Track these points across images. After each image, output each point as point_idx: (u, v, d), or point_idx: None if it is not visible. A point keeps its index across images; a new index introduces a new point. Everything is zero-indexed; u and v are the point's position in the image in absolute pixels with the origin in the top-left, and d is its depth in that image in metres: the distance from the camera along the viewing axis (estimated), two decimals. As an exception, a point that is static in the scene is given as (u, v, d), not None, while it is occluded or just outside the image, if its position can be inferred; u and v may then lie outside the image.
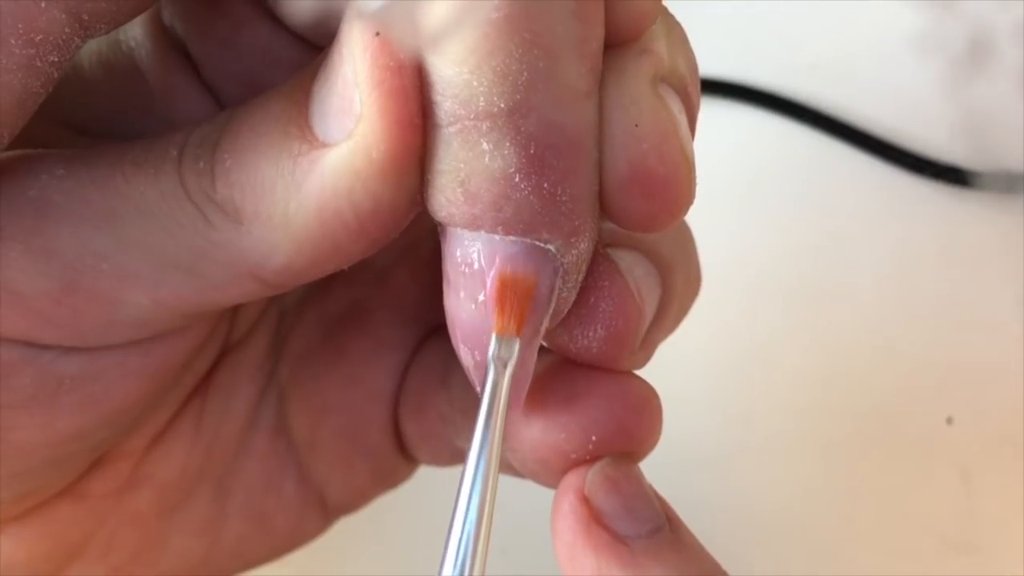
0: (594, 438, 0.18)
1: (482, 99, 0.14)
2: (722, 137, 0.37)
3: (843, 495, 0.33)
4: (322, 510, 0.23)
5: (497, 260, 0.16)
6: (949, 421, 0.33)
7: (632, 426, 0.18)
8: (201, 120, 0.17)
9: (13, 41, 0.15)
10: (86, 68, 0.19)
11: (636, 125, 0.16)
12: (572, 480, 0.18)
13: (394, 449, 0.23)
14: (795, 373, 0.34)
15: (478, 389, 0.17)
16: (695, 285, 0.20)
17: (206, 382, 0.21)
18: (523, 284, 0.16)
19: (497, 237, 0.16)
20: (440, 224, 0.16)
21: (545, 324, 0.17)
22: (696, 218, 0.36)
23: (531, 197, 0.15)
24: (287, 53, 0.19)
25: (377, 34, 0.14)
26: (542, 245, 0.16)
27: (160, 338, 0.18)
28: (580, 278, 0.17)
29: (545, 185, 0.15)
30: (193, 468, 0.21)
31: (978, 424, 0.33)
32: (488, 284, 0.16)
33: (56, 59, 0.15)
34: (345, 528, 0.24)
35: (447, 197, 0.15)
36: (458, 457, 0.22)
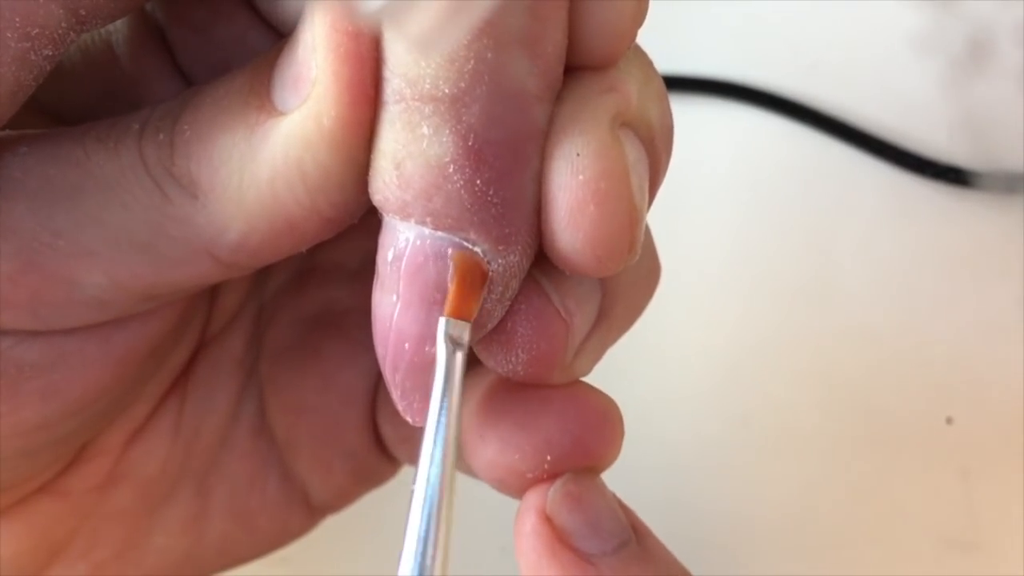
0: (549, 457, 0.17)
1: (428, 81, 0.14)
2: (722, 137, 0.37)
3: (843, 495, 0.33)
4: (307, 509, 0.23)
5: (428, 251, 0.15)
6: (949, 421, 0.33)
7: (589, 442, 0.17)
8: None
9: (9, 35, 0.15)
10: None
11: (577, 154, 0.15)
12: (533, 499, 0.17)
13: (373, 449, 0.22)
14: (795, 373, 0.34)
15: (393, 393, 0.17)
16: (651, 277, 0.20)
17: (185, 377, 0.21)
18: (478, 268, 0.15)
19: (426, 231, 0.15)
20: (379, 213, 0.16)
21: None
22: (696, 218, 0.36)
23: (462, 192, 0.15)
24: (263, 44, 0.18)
25: (340, 1, 0.14)
26: (469, 246, 0.15)
27: (121, 324, 0.18)
28: (509, 295, 0.16)
29: (478, 182, 0.15)
30: (174, 465, 0.21)
31: (978, 424, 0.33)
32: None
33: (50, 53, 0.15)
34: (340, 526, 0.24)
35: (383, 180, 0.15)
36: None
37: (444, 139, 0.15)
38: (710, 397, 0.34)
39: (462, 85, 0.14)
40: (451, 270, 0.15)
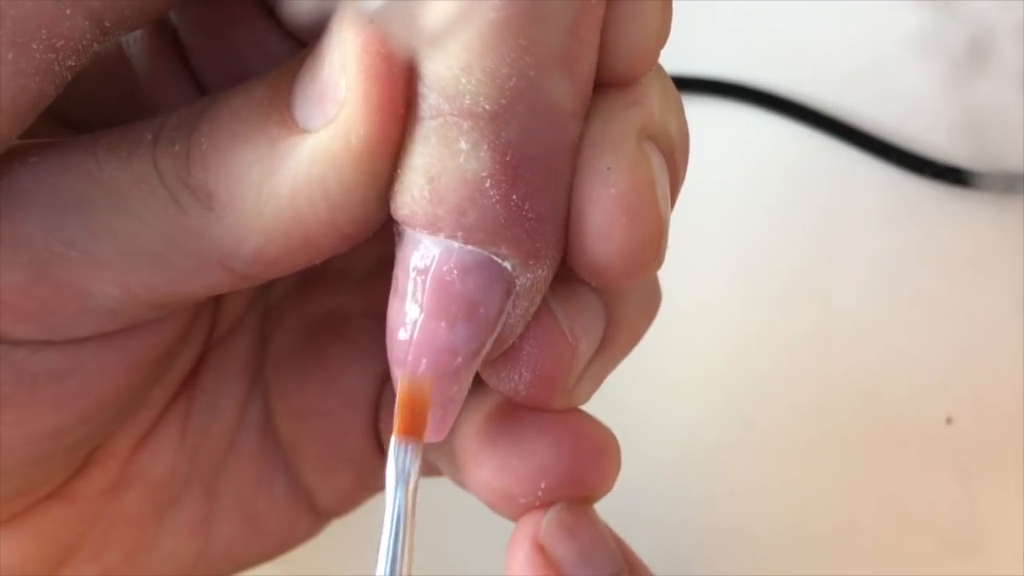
0: (543, 485, 0.17)
1: (468, 98, 0.14)
2: (722, 137, 0.37)
3: (843, 495, 0.33)
4: (313, 512, 0.23)
5: (457, 266, 0.15)
6: (949, 421, 0.33)
7: (584, 474, 0.17)
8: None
9: (35, 46, 0.15)
10: None
11: (608, 168, 0.15)
12: (526, 528, 0.17)
13: (375, 455, 0.22)
14: (795, 373, 0.34)
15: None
16: (652, 305, 0.20)
17: (191, 381, 0.21)
18: (424, 389, 0.16)
19: (456, 244, 0.15)
20: (399, 227, 0.16)
21: (487, 347, 0.16)
22: (696, 218, 0.36)
23: (498, 207, 0.15)
24: (280, 49, 0.18)
25: (371, 22, 0.14)
26: (499, 261, 0.15)
27: (135, 331, 0.18)
28: (532, 309, 0.16)
29: (514, 197, 0.15)
30: (182, 468, 0.21)
31: (978, 424, 0.33)
32: (397, 384, 0.16)
33: (73, 63, 0.15)
34: (341, 527, 0.24)
35: (412, 195, 0.15)
36: (438, 466, 0.21)
37: (482, 154, 0.15)
38: (709, 397, 0.34)
39: (503, 102, 0.14)
40: (398, 396, 0.16)
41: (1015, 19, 0.35)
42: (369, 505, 0.24)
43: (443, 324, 0.16)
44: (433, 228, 0.15)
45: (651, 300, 0.20)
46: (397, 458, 0.16)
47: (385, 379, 0.22)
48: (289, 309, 0.22)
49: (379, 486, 0.23)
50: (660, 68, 0.17)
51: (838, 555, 0.32)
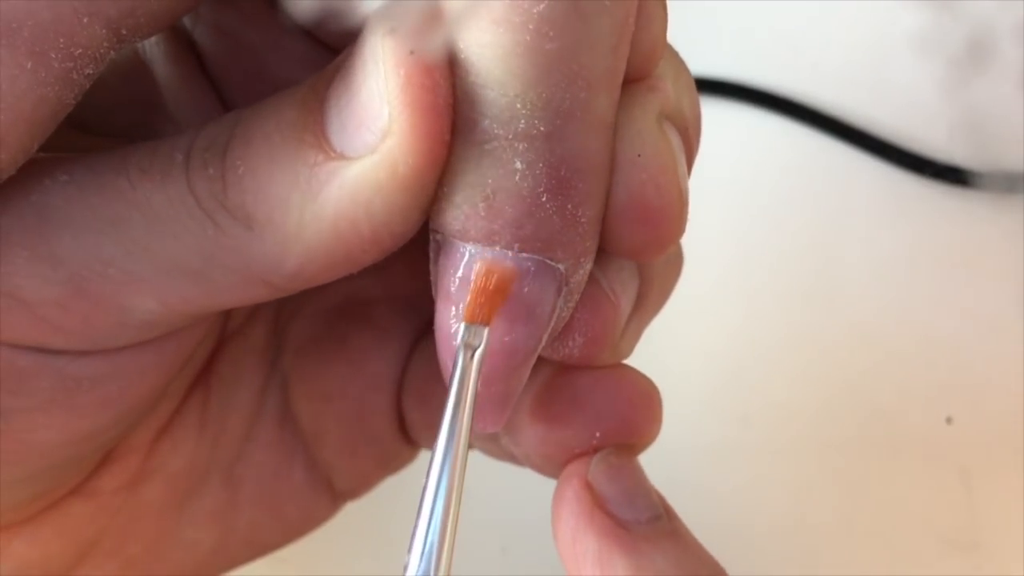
0: (598, 433, 0.19)
1: (522, 122, 0.15)
2: (722, 137, 0.37)
3: (843, 495, 0.33)
4: (331, 495, 0.23)
5: (513, 272, 0.16)
6: (949, 421, 0.33)
7: (635, 419, 0.19)
8: (203, 118, 0.17)
9: (53, 55, 0.15)
10: None
11: (638, 156, 0.16)
12: (576, 468, 0.18)
13: (397, 435, 0.23)
14: (795, 373, 0.34)
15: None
16: (676, 265, 0.21)
17: (208, 372, 0.21)
18: (497, 275, 0.16)
19: (510, 253, 0.16)
20: (441, 236, 0.16)
21: (543, 342, 0.17)
22: (696, 218, 0.36)
23: (554, 217, 0.16)
24: (295, 48, 0.19)
25: (412, 52, 0.14)
26: (553, 264, 0.16)
27: (171, 335, 0.18)
28: (577, 298, 0.17)
29: (569, 207, 0.16)
30: (201, 459, 0.21)
31: (978, 424, 0.33)
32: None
33: (91, 71, 0.15)
34: (339, 525, 0.24)
35: (465, 212, 0.16)
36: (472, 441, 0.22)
37: (538, 172, 0.15)
38: (709, 396, 0.34)
39: (557, 123, 0.15)
40: (474, 277, 0.16)
41: (1015, 19, 0.35)
42: (366, 505, 0.24)
43: (502, 328, 0.16)
44: (488, 241, 0.16)
45: (676, 258, 0.21)
46: (463, 335, 0.16)
47: (408, 360, 0.22)
48: (307, 297, 0.22)
49: (396, 465, 0.24)
50: (671, 50, 0.18)
51: (838, 555, 0.32)
